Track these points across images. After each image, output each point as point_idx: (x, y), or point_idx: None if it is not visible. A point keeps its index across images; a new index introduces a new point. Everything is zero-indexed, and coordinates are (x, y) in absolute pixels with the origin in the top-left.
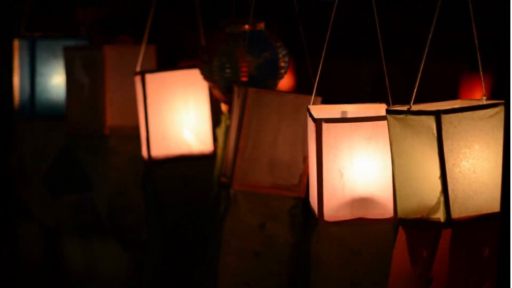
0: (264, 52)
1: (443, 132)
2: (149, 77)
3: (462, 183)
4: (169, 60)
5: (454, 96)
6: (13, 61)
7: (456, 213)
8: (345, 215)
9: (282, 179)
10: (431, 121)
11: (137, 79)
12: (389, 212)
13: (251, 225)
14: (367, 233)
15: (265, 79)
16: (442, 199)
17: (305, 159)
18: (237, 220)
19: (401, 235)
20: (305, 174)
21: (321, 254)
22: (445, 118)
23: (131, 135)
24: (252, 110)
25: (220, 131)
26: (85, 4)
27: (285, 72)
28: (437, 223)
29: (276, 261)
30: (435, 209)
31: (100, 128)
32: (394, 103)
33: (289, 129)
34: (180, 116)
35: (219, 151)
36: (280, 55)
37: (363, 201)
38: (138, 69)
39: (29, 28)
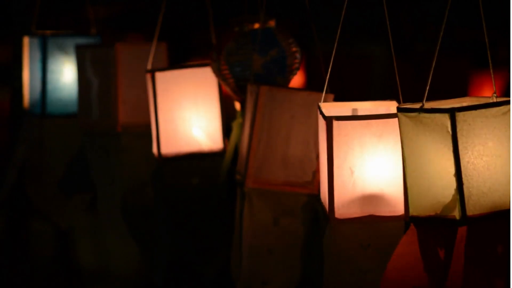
0: (271, 50)
1: (458, 130)
2: (159, 75)
3: (477, 180)
4: (179, 58)
5: (463, 94)
6: (23, 59)
7: (471, 211)
8: (356, 212)
9: (295, 176)
10: (445, 119)
11: (148, 77)
12: (399, 210)
13: (265, 222)
14: (377, 229)
15: (272, 77)
16: (457, 196)
17: (318, 156)
18: (252, 219)
19: (413, 233)
20: (318, 171)
21: (331, 248)
22: (459, 116)
23: (144, 132)
24: (264, 107)
25: (235, 126)
26: (95, 1)
27: (297, 69)
28: (452, 220)
29: (289, 255)
30: (449, 206)
31: (112, 126)
32: (404, 101)
33: (302, 126)
34: (190, 113)
35: (230, 146)
36: (289, 53)
37: (374, 198)
38: (149, 67)
39: (40, 26)
